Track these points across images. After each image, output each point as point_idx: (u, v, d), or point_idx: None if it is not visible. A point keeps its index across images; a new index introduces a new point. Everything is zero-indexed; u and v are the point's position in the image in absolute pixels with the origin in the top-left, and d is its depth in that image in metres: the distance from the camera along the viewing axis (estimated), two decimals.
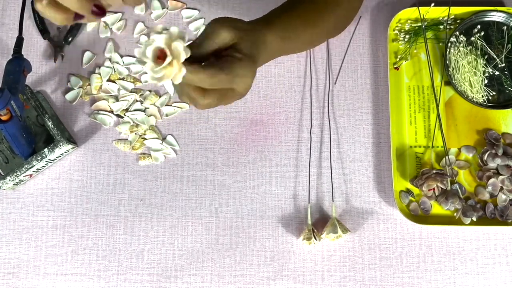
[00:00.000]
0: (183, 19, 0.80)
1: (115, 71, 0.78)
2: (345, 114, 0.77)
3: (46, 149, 0.70)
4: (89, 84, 0.77)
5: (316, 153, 0.75)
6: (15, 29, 0.78)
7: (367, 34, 0.79)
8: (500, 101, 0.76)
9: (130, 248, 0.72)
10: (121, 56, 0.78)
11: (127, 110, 0.76)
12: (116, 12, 0.80)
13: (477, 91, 0.75)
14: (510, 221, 0.71)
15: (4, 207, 0.74)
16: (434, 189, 0.72)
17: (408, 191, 0.74)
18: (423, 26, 0.77)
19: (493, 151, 0.73)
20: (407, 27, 0.78)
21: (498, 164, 0.73)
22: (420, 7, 0.76)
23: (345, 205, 0.74)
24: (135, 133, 0.76)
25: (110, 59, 0.78)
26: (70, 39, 0.78)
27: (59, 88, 0.77)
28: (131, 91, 0.77)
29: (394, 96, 0.76)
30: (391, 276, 0.72)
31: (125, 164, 0.75)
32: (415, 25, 0.78)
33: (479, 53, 0.77)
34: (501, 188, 0.73)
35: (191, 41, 0.51)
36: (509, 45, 0.77)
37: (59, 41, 0.78)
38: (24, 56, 0.69)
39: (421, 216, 0.73)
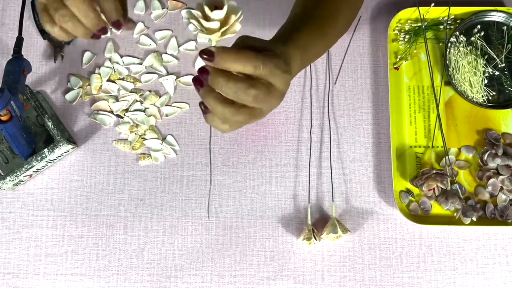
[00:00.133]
0: (183, 19, 0.80)
1: (115, 71, 0.78)
2: (345, 114, 0.77)
3: (46, 149, 0.70)
4: (89, 84, 0.77)
5: (316, 153, 0.75)
6: (15, 29, 0.78)
7: (367, 34, 0.79)
8: (500, 101, 0.76)
9: (130, 248, 0.72)
10: (121, 56, 0.78)
11: (127, 110, 0.76)
12: None
13: (477, 91, 0.75)
14: (510, 221, 0.71)
15: (4, 207, 0.74)
16: (434, 189, 0.72)
17: (408, 191, 0.74)
18: (423, 26, 0.77)
19: (493, 151, 0.73)
20: (407, 27, 0.78)
21: (498, 164, 0.73)
22: (420, 7, 0.76)
23: (345, 205, 0.74)
24: (135, 133, 0.76)
25: (110, 59, 0.78)
26: (70, 39, 0.78)
27: (59, 88, 0.77)
28: (131, 91, 0.77)
29: (394, 96, 0.76)
30: (391, 276, 0.72)
31: (125, 164, 0.75)
32: (415, 25, 0.78)
33: (479, 53, 0.77)
34: (501, 188, 0.73)
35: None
36: (509, 45, 0.77)
37: (59, 41, 0.78)
38: (24, 56, 0.69)
39: (421, 216, 0.73)
